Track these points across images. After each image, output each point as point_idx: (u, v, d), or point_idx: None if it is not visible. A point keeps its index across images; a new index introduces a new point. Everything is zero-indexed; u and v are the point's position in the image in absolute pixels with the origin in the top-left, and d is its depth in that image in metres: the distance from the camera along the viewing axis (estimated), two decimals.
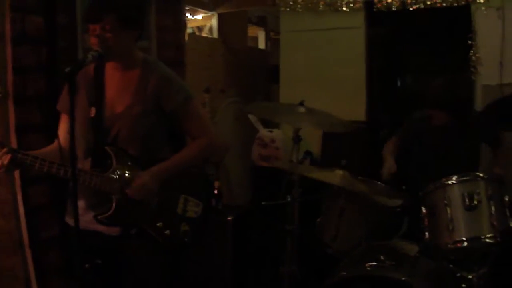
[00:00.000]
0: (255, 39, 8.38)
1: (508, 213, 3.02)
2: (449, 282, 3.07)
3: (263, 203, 4.01)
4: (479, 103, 4.65)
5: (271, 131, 5.42)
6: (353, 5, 5.38)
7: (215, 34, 6.50)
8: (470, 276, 3.01)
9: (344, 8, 5.42)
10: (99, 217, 2.56)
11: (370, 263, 3.00)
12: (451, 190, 3.02)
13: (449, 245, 2.97)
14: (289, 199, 3.35)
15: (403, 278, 2.84)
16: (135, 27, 2.59)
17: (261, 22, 7.94)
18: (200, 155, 2.79)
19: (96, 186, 2.54)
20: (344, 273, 3.04)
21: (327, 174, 3.54)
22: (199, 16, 6.46)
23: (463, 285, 3.01)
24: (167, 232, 2.69)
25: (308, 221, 3.51)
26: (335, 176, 3.49)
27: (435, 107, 3.59)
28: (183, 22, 5.02)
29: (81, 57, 2.94)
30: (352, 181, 3.46)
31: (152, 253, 2.70)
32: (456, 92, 3.50)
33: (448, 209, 2.98)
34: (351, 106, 5.13)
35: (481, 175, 3.05)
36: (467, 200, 2.95)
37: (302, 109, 3.32)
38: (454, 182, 3.03)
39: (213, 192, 4.12)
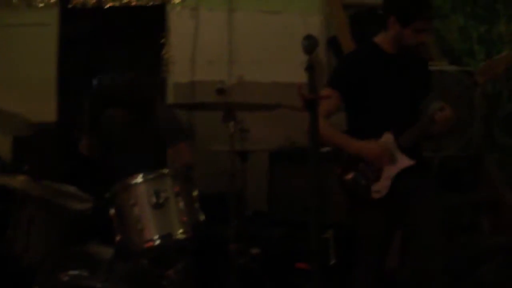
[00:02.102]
0: None
1: (197, 207, 3.08)
2: (148, 281, 3.06)
3: None
4: (171, 100, 4.81)
5: None
6: (49, 0, 5.13)
7: None
8: (168, 273, 3.02)
9: (38, 4, 5.13)
10: None
11: (64, 273, 2.83)
12: (137, 189, 2.97)
13: (141, 245, 2.93)
14: None
15: (99, 286, 2.74)
16: None
17: None
18: None
19: None
20: None
21: (6, 182, 3.27)
22: None
23: (164, 283, 3.02)
24: None
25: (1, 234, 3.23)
26: (16, 183, 3.23)
27: (117, 106, 3.56)
28: None
29: None
30: (34, 186, 3.23)
31: None
32: (136, 89, 3.52)
33: (136, 209, 2.93)
34: (41, 107, 4.92)
35: (167, 171, 3.06)
36: (154, 198, 2.93)
37: None
38: (140, 181, 2.98)
39: None
